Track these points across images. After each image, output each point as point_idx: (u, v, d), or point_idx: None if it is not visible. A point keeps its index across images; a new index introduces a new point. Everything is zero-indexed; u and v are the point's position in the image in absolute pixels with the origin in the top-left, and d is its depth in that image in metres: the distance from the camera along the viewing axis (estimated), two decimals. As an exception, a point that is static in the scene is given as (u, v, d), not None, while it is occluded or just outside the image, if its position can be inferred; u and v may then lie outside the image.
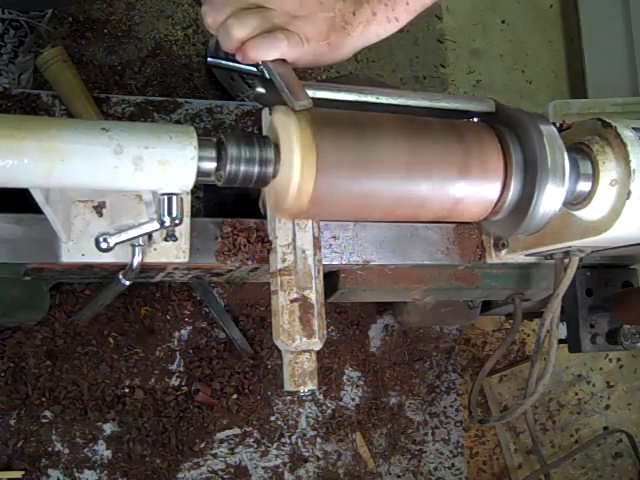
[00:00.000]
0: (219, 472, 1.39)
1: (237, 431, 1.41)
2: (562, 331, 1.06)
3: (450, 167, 0.72)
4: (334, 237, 0.95)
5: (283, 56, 0.70)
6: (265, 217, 0.90)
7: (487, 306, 1.30)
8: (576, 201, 0.80)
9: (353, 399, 1.50)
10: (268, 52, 0.69)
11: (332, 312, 1.49)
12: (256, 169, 0.69)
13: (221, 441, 1.40)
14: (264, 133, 0.78)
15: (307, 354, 0.83)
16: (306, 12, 0.71)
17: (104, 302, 1.03)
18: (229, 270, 0.94)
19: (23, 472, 1.27)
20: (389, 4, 0.73)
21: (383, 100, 0.74)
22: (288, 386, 0.83)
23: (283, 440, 1.44)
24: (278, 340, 0.83)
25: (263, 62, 0.70)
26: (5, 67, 1.37)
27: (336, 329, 1.50)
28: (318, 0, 0.71)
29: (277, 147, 0.70)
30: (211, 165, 0.67)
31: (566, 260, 0.94)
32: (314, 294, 0.84)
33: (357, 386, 1.51)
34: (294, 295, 0.83)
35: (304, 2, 0.71)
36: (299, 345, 0.82)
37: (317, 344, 0.83)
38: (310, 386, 0.82)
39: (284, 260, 0.84)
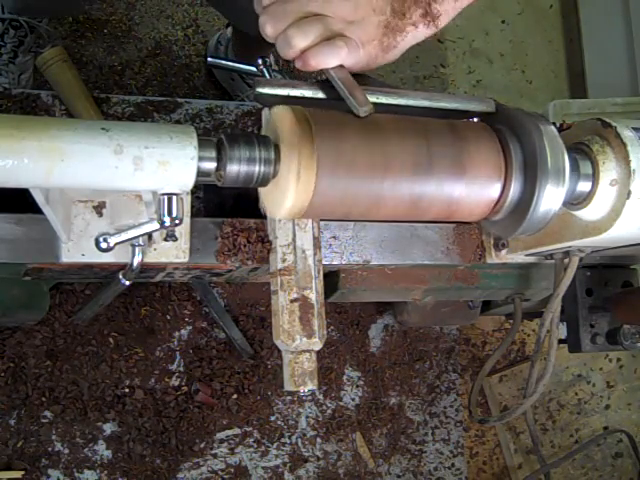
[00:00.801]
0: (219, 472, 1.40)
1: (237, 431, 1.41)
2: (562, 331, 1.06)
3: (450, 167, 0.72)
4: (334, 237, 0.95)
5: (342, 62, 0.72)
6: (265, 217, 0.90)
7: (487, 306, 1.30)
8: (576, 201, 0.80)
9: (353, 399, 1.50)
10: (329, 60, 0.71)
11: (332, 312, 1.49)
12: (256, 169, 0.69)
13: (221, 441, 1.40)
14: (263, 133, 0.78)
15: (307, 354, 0.83)
16: (360, 17, 0.72)
17: (104, 302, 1.03)
18: (229, 270, 0.94)
19: (23, 472, 1.27)
20: (437, 4, 0.74)
21: (383, 100, 0.74)
22: (288, 386, 0.83)
23: (283, 440, 1.44)
24: (278, 340, 0.83)
25: (324, 69, 0.72)
26: (5, 67, 1.37)
27: (336, 329, 1.50)
28: (371, 4, 0.72)
29: (277, 147, 0.70)
30: (211, 165, 0.67)
31: (566, 260, 0.94)
32: (314, 294, 0.84)
33: (357, 386, 1.51)
34: (294, 295, 0.83)
35: (358, 7, 0.72)
36: (299, 345, 0.82)
37: (317, 344, 0.83)
38: (310, 386, 0.82)
39: (284, 260, 0.84)
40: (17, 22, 1.38)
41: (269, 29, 0.72)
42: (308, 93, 0.72)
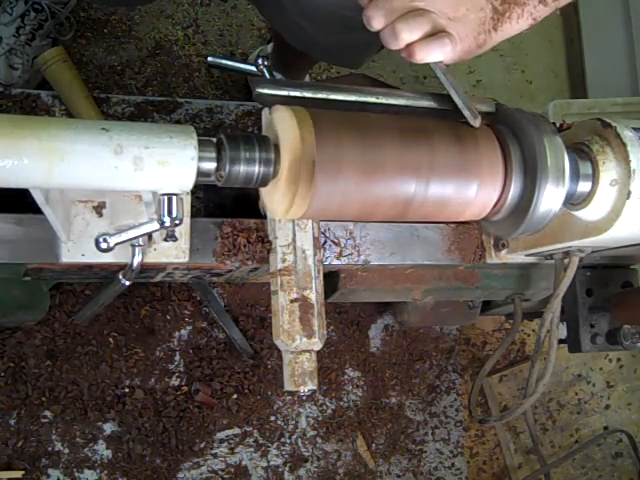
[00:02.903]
0: (219, 472, 1.40)
1: (237, 431, 1.41)
2: (562, 331, 1.05)
3: (450, 168, 0.72)
4: (334, 237, 0.95)
5: (444, 57, 0.73)
6: (265, 217, 0.90)
7: (487, 306, 1.30)
8: (576, 201, 0.80)
9: (353, 399, 1.50)
10: (434, 55, 0.73)
11: (332, 312, 1.49)
12: (256, 169, 0.69)
13: (221, 441, 1.40)
14: (263, 133, 0.78)
15: (307, 354, 0.83)
16: (461, 14, 0.74)
17: (104, 302, 1.03)
18: (229, 270, 0.94)
19: (23, 472, 1.27)
20: (534, 2, 0.77)
21: (383, 100, 0.74)
22: (288, 386, 0.83)
23: (283, 440, 1.44)
24: (278, 340, 0.83)
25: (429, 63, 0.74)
26: (21, 48, 1.38)
27: (336, 329, 1.50)
28: (472, 2, 0.74)
29: (277, 147, 0.70)
30: (211, 165, 0.67)
31: (566, 260, 0.94)
32: (314, 294, 0.84)
33: (357, 386, 1.51)
34: (294, 295, 0.84)
35: (460, 5, 0.74)
36: (299, 345, 0.82)
37: (317, 344, 0.83)
38: (310, 386, 0.82)
39: (284, 260, 0.85)
40: (39, 5, 1.38)
41: (376, 21, 0.73)
42: (308, 93, 0.72)
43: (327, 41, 1.08)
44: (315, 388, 0.83)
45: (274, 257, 0.86)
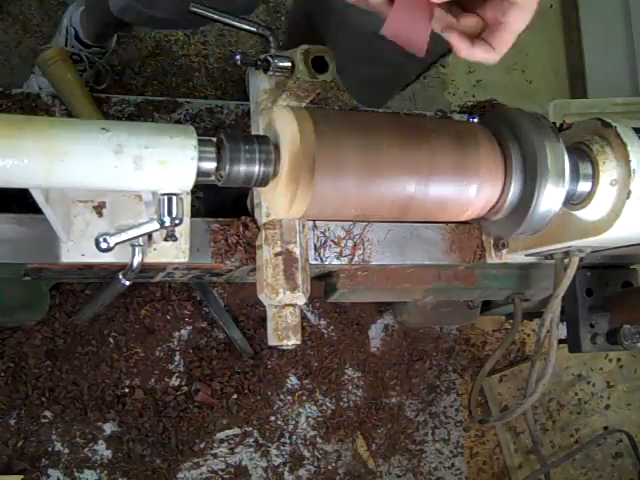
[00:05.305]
0: (219, 472, 1.39)
1: (237, 431, 1.41)
2: (562, 331, 1.05)
3: (449, 168, 0.72)
4: (334, 237, 0.94)
5: None
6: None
7: (487, 306, 1.30)
8: (576, 201, 0.80)
9: (353, 399, 1.50)
10: None
11: (332, 312, 1.49)
12: (256, 169, 0.69)
13: (221, 441, 1.40)
14: (263, 133, 0.78)
15: (291, 308, 0.82)
16: None
17: (104, 302, 1.03)
18: (229, 270, 0.94)
19: (22, 477, 1.27)
20: None
21: None
22: (272, 340, 0.81)
23: (283, 440, 1.44)
24: (262, 294, 0.82)
25: None
26: None
27: (336, 329, 1.50)
28: None
29: (277, 147, 0.70)
30: (211, 165, 0.67)
31: (566, 260, 0.94)
32: (298, 248, 0.83)
33: (357, 386, 1.51)
34: (278, 249, 0.82)
35: None
36: (283, 299, 0.81)
37: (301, 298, 0.82)
38: (293, 340, 0.81)
39: (269, 214, 0.83)
40: (78, 56, 1.39)
41: None
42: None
43: (353, 74, 1.06)
44: (299, 342, 0.81)
45: (259, 211, 0.86)
